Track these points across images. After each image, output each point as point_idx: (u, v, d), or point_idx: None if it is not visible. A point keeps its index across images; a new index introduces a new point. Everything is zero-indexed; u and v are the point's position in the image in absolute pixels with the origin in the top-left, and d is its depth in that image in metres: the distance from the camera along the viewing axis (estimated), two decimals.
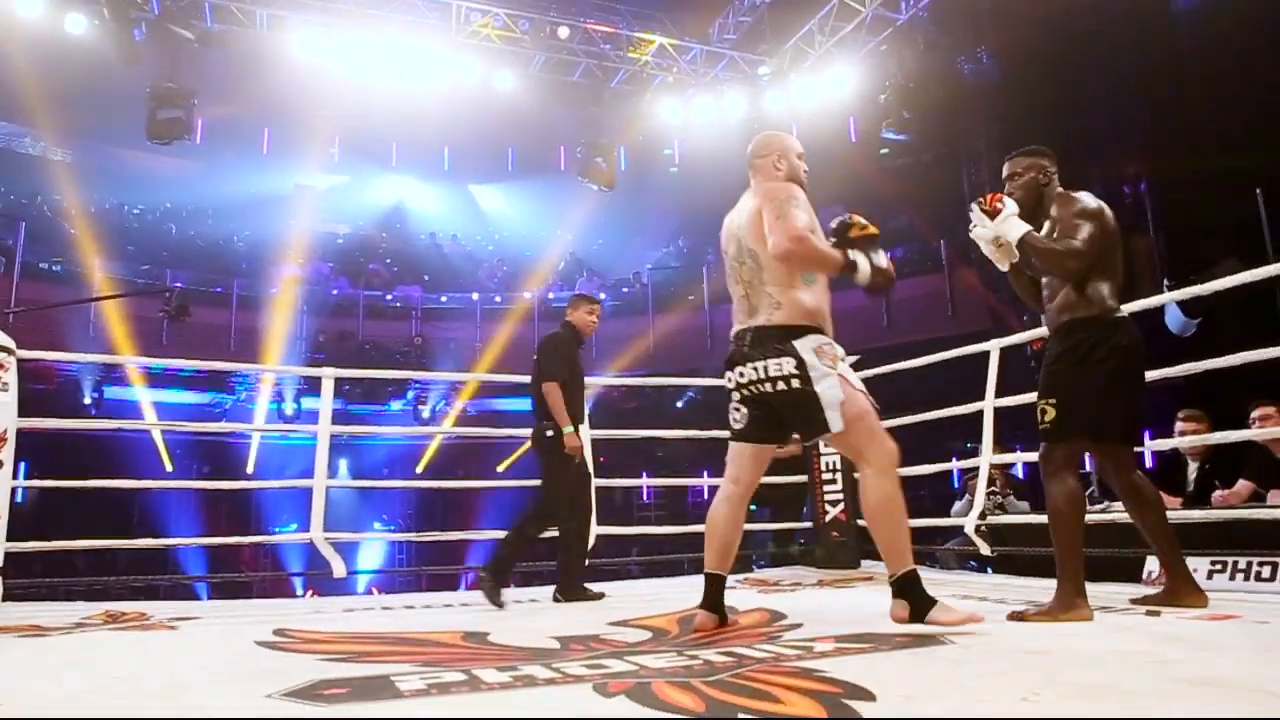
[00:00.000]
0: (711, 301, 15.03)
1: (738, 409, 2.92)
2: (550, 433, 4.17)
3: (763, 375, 2.77)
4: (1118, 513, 4.33)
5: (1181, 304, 7.35)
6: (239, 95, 14.71)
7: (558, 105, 12.31)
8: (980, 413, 4.70)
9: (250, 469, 13.60)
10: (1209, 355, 3.74)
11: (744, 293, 2.90)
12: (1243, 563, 3.58)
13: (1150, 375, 3.87)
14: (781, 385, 2.74)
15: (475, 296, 16.00)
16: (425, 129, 16.32)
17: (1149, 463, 7.91)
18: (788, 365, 2.72)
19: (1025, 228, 2.91)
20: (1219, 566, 3.64)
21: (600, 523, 4.94)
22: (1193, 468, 4.65)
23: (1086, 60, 10.32)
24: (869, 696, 1.69)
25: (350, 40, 10.40)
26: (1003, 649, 2.32)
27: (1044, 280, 3.06)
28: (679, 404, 14.95)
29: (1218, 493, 4.28)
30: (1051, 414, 2.88)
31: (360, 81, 11.77)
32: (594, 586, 4.35)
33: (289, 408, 13.50)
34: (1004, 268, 3.15)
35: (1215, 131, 8.22)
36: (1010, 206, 2.95)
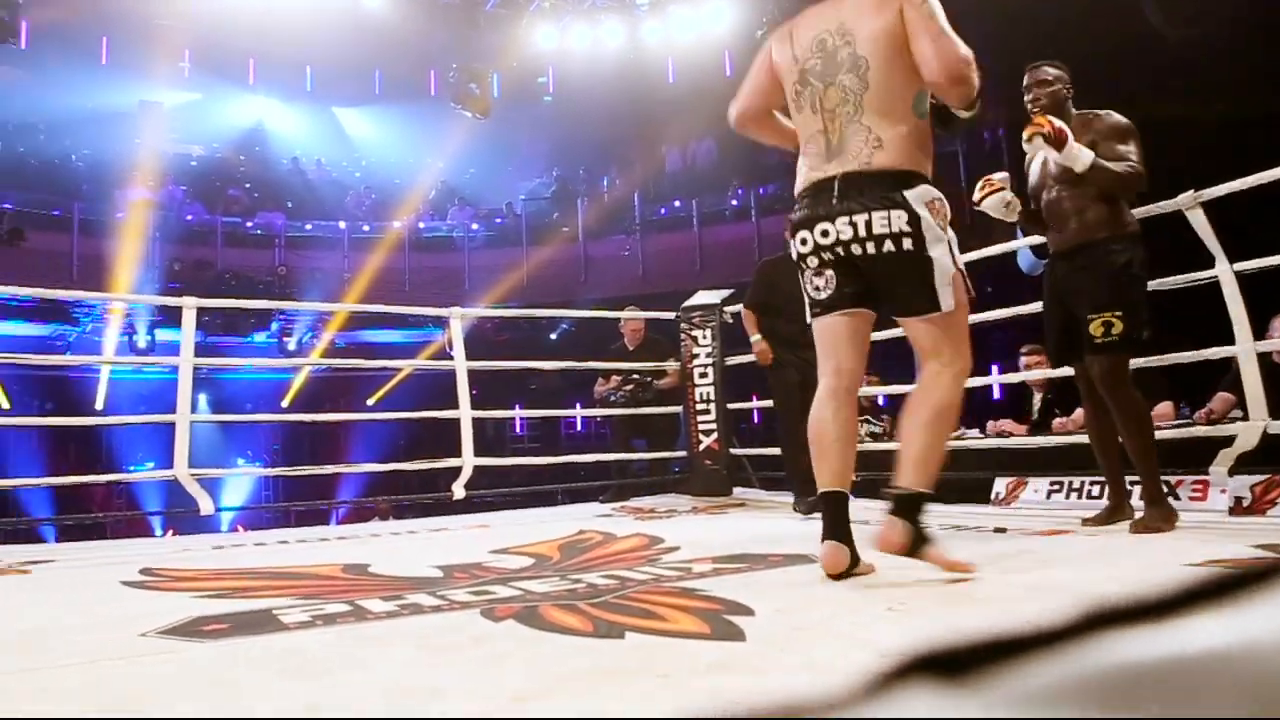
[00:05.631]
0: (586, 233, 14.97)
1: (819, 274, 2.32)
2: None
3: (861, 233, 2.19)
4: (972, 439, 4.64)
5: (1033, 245, 7.78)
6: None
7: (429, 27, 11.85)
8: None
9: (99, 405, 12.84)
10: None
11: (823, 126, 2.28)
12: (1077, 482, 3.93)
13: (1005, 312, 4.13)
14: (889, 246, 2.18)
15: (342, 225, 15.39)
16: (286, 46, 15.37)
17: (997, 394, 8.46)
18: (898, 220, 2.16)
19: (1091, 155, 2.93)
20: (1057, 486, 3.97)
21: (475, 454, 4.95)
22: (1037, 398, 5.02)
23: (954, 11, 10.64)
24: (748, 611, 1.79)
25: None
26: (868, 564, 2.47)
27: (1054, 198, 3.12)
28: (553, 336, 14.94)
29: (1058, 420, 4.64)
30: (1120, 326, 2.94)
31: None
32: (475, 517, 4.36)
33: (141, 340, 12.73)
34: (1012, 219, 3.22)
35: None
36: (1071, 134, 2.92)
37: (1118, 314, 2.94)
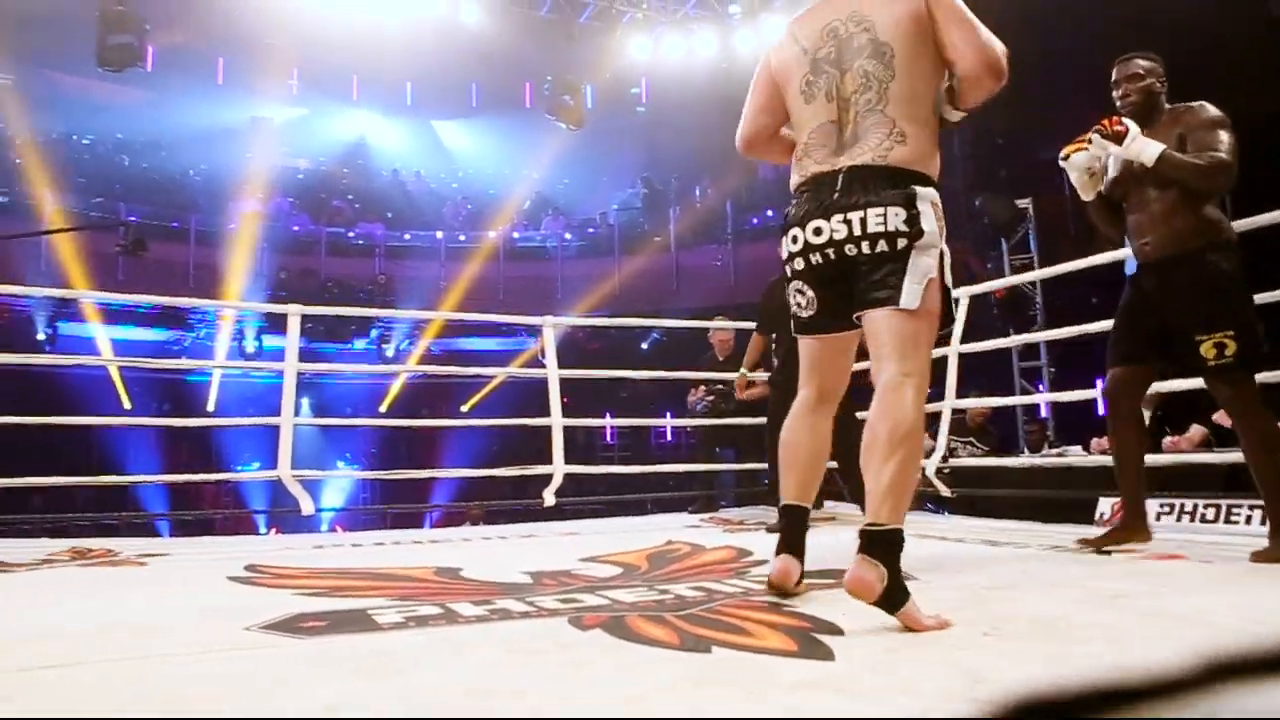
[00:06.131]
0: (678, 243, 15.00)
1: (803, 291, 2.20)
2: None
3: (856, 231, 2.03)
4: (1074, 456, 4.46)
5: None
6: (191, 22, 14.20)
7: (525, 40, 12.06)
8: (943, 357, 4.80)
9: (210, 407, 13.46)
10: None
11: (837, 116, 2.14)
12: (1189, 505, 3.73)
13: (1108, 324, 3.97)
14: (882, 246, 2.02)
15: (439, 235, 15.81)
16: (387, 62, 15.91)
17: (1103, 409, 8.12)
18: (896, 219, 2.01)
19: (1161, 146, 2.74)
20: (1167, 508, 3.78)
21: (566, 462, 5.00)
22: (1146, 415, 4.80)
23: (1056, 17, 10.31)
24: (837, 631, 1.75)
25: None
26: (964, 585, 2.40)
27: (1140, 200, 2.91)
28: (644, 345, 15.00)
29: (1168, 438, 4.43)
30: (1234, 346, 2.71)
31: (319, 11, 11.42)
32: (564, 524, 4.40)
33: (250, 345, 13.33)
34: (1089, 198, 3.03)
35: (1182, 89, 8.29)
36: (1134, 127, 2.77)
37: (1229, 333, 2.71)
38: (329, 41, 14.25)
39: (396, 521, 10.16)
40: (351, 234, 15.56)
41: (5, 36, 14.20)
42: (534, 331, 11.78)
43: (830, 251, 2.09)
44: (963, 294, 4.79)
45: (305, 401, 13.78)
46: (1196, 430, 4.37)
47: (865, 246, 2.03)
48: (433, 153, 19.46)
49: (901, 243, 2.01)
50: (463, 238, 15.82)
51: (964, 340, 4.74)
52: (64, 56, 14.17)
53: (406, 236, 15.86)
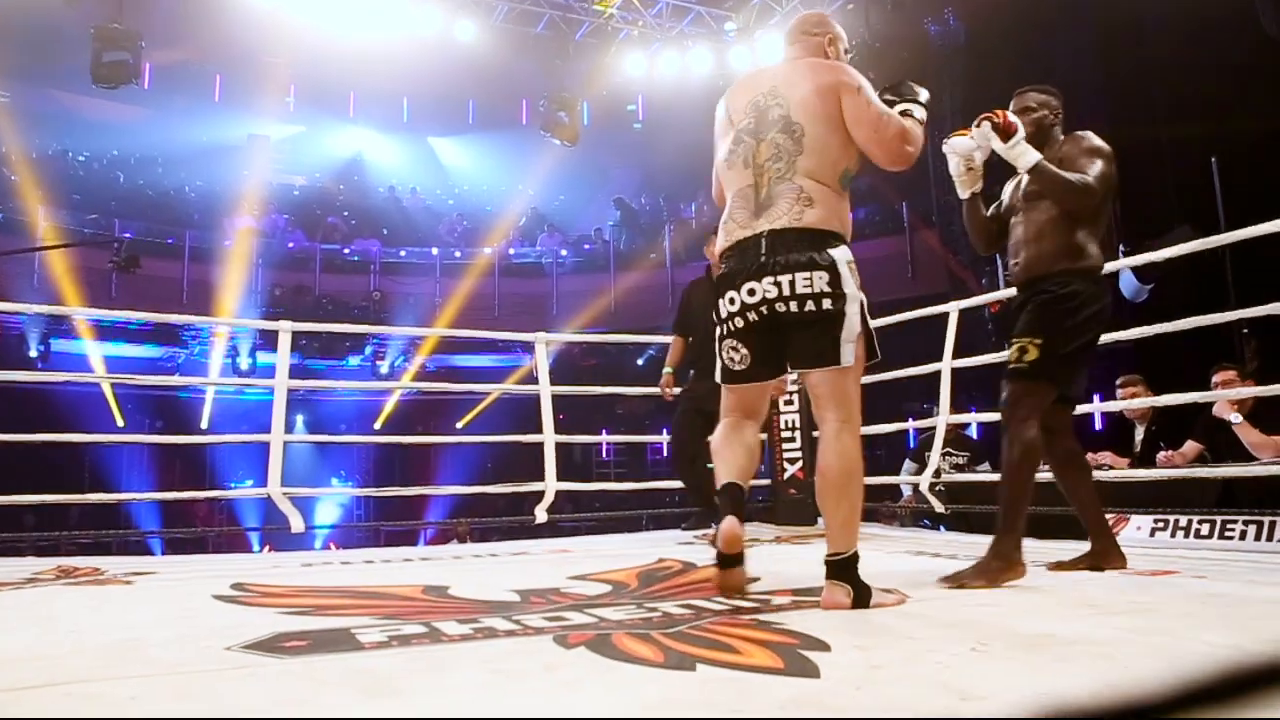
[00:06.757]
0: (673, 260, 15.02)
1: (736, 348, 2.39)
2: None
3: (787, 292, 2.25)
4: None
5: (1135, 269, 7.51)
6: (189, 39, 14.27)
7: (520, 57, 12.12)
8: (937, 374, 4.78)
9: (204, 424, 13.41)
10: (1159, 320, 3.83)
11: (753, 181, 2.35)
12: (1184, 520, 3.72)
13: (1104, 338, 3.97)
14: (810, 306, 2.24)
15: (435, 251, 15.81)
16: (384, 79, 15.99)
17: (1098, 424, 8.13)
18: (820, 281, 2.23)
19: (1038, 155, 2.77)
20: (1161, 524, 3.77)
21: (560, 479, 4.98)
22: (1140, 430, 4.80)
23: (1050, 26, 10.38)
24: (824, 647, 1.73)
25: None
26: (953, 602, 2.38)
27: (1021, 221, 2.92)
28: (640, 362, 14.98)
29: (1162, 453, 4.42)
30: (1034, 354, 2.71)
31: (317, 28, 11.46)
32: (558, 541, 4.37)
33: (244, 362, 13.30)
34: (964, 194, 3.06)
35: (1173, 101, 8.33)
36: (1022, 130, 2.79)
37: (1036, 341, 2.72)
38: (326, 59, 14.32)
39: (390, 539, 10.11)
40: (347, 250, 15.55)
41: (1, 54, 14.26)
42: (528, 348, 11.79)
43: (764, 309, 2.30)
44: (953, 308, 4.78)
45: (300, 418, 13.73)
46: (1191, 446, 4.36)
47: (794, 306, 2.26)
48: (429, 169, 19.51)
49: (826, 303, 2.24)
50: (458, 254, 15.82)
51: (956, 355, 4.72)
52: (60, 73, 14.23)
53: (402, 253, 15.86)
